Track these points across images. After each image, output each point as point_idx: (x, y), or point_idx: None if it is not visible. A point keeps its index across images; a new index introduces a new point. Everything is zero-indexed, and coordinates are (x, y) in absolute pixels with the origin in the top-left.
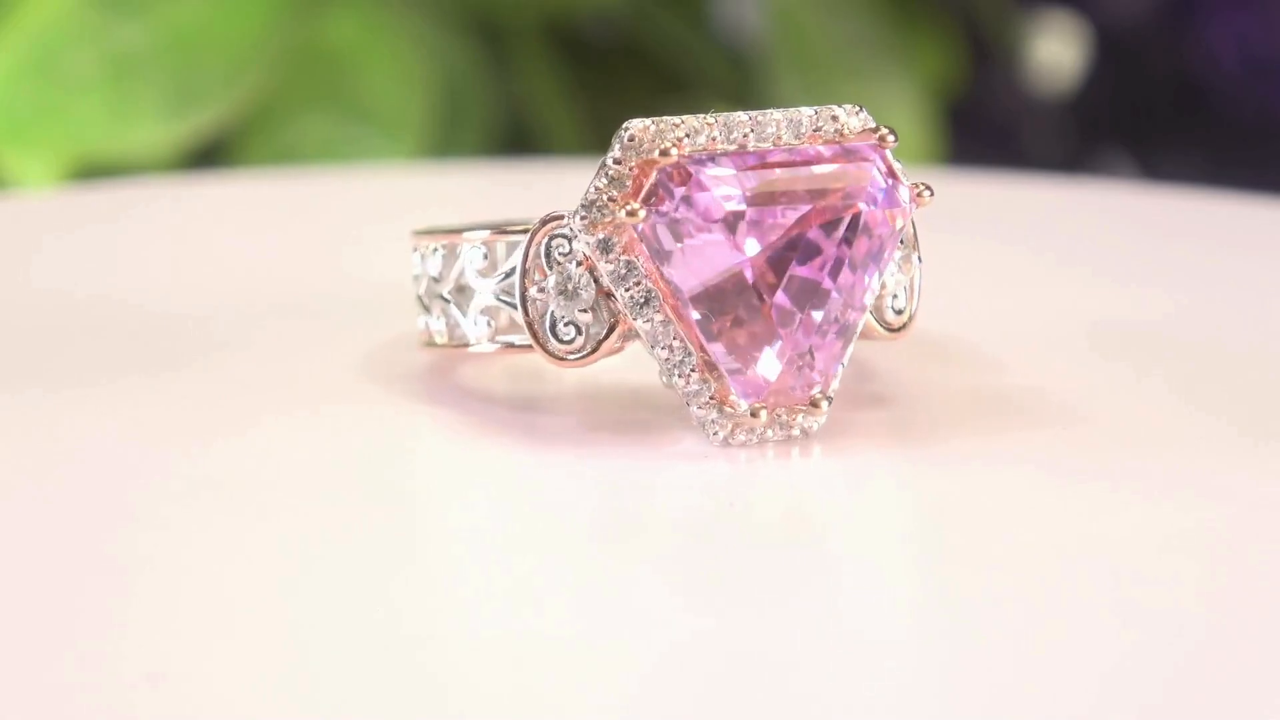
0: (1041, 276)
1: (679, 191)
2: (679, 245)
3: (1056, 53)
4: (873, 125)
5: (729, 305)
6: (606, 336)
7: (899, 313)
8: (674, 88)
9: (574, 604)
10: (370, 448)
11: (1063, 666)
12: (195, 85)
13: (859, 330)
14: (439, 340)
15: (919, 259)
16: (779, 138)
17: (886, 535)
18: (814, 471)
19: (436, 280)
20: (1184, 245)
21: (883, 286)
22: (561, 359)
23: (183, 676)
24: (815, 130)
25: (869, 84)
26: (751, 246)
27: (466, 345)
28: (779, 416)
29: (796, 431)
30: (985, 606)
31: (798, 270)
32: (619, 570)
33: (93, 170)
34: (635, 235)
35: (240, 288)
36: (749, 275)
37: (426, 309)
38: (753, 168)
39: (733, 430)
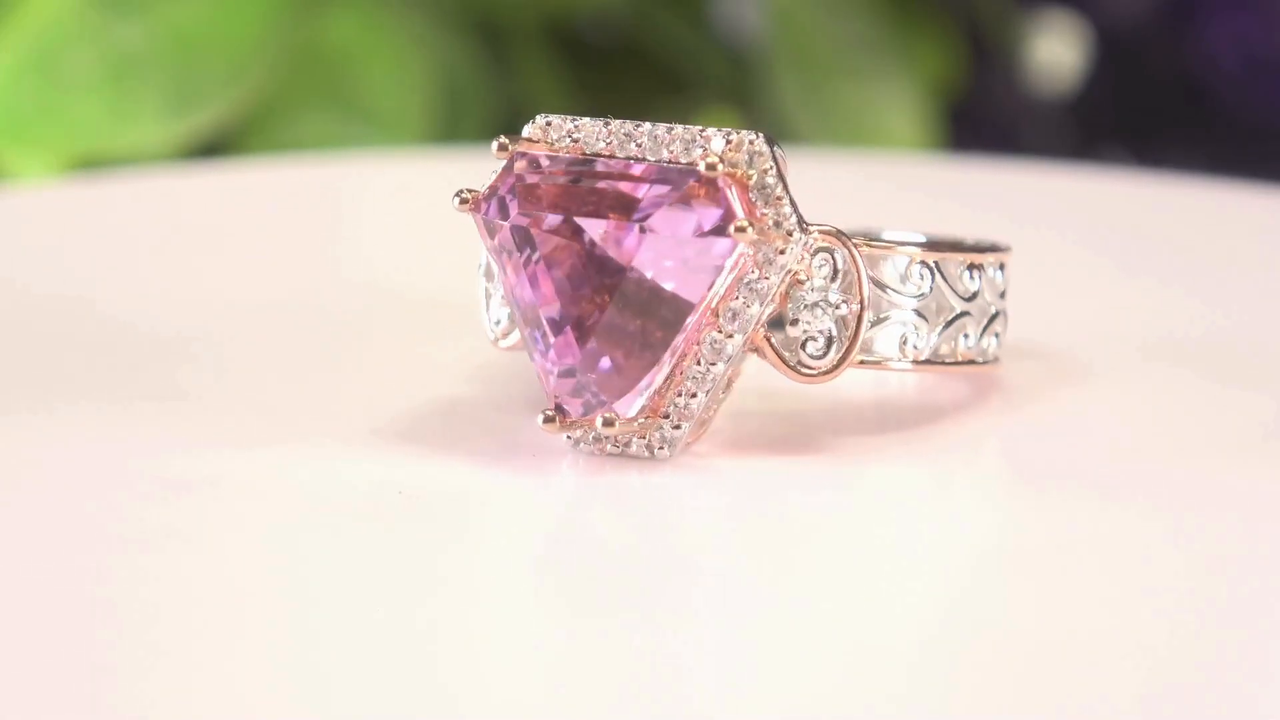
0: (1044, 272)
1: (500, 190)
2: (494, 242)
3: (1056, 53)
4: (764, 163)
5: (526, 315)
6: None
7: (815, 356)
8: (674, 88)
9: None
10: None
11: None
12: (195, 85)
13: (714, 364)
14: None
15: (857, 306)
16: (674, 154)
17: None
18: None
19: None
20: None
21: (792, 322)
22: (493, 340)
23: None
24: (703, 150)
25: (869, 84)
26: (539, 256)
27: None
28: (621, 435)
29: (642, 451)
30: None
31: (577, 285)
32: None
33: (93, 170)
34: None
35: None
36: (529, 289)
37: None
38: (578, 174)
39: (579, 436)
